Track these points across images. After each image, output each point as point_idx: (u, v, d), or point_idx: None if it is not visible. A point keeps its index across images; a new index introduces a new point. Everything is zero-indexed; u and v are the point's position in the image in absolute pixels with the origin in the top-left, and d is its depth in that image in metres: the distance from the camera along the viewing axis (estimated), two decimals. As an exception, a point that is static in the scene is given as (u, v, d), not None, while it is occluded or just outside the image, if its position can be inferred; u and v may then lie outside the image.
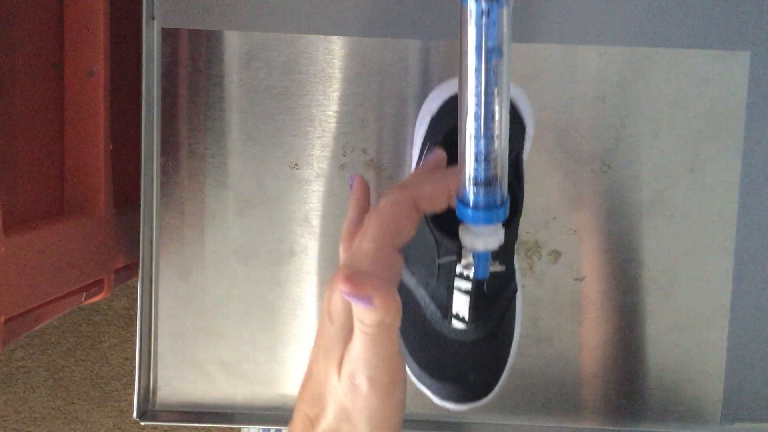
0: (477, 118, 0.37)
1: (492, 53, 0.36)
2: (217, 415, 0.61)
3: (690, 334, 0.60)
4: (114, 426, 1.36)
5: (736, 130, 0.58)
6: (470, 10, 0.35)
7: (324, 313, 0.39)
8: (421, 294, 0.49)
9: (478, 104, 0.37)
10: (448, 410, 0.50)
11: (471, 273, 0.44)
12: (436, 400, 0.50)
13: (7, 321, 0.50)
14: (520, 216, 0.48)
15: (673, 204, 0.59)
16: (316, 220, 0.60)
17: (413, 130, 0.59)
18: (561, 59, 0.58)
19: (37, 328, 0.56)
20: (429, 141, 0.52)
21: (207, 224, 0.60)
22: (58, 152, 0.62)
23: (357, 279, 0.35)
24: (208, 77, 0.59)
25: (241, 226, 0.60)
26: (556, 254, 0.60)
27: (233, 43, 0.58)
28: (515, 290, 0.51)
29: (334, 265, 0.60)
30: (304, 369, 0.61)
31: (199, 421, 0.61)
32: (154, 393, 0.62)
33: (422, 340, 0.49)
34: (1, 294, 0.48)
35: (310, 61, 0.58)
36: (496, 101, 0.37)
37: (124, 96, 0.66)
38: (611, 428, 0.61)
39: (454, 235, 0.42)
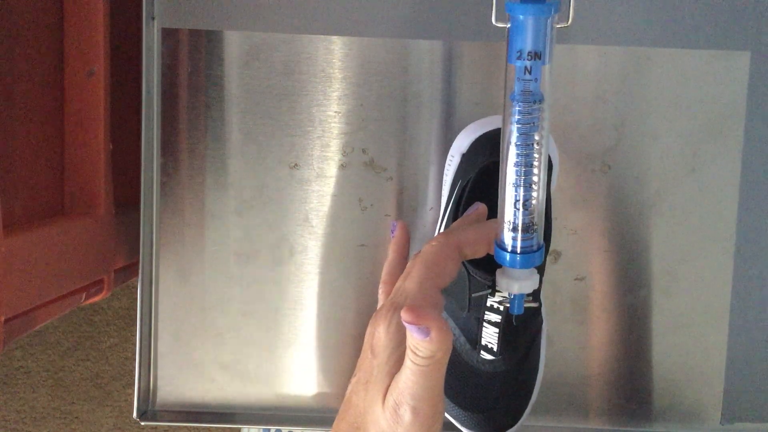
0: (518, 165, 0.39)
1: (534, 108, 0.38)
2: (217, 415, 0.61)
3: (690, 334, 0.60)
4: (114, 426, 1.36)
5: (736, 130, 0.58)
6: (515, 67, 0.38)
7: (366, 347, 0.41)
8: (451, 325, 0.50)
9: (519, 154, 0.39)
10: None
11: (503, 306, 0.46)
12: (463, 429, 0.51)
13: (7, 321, 0.50)
14: (548, 252, 0.49)
15: (673, 204, 0.59)
16: (316, 220, 0.60)
17: (414, 131, 0.59)
18: (561, 59, 0.58)
19: (37, 328, 0.56)
20: (461, 178, 0.53)
21: (207, 224, 0.60)
22: (58, 152, 0.62)
23: (419, 310, 0.37)
24: (208, 77, 0.59)
25: (241, 226, 0.60)
26: (556, 254, 0.60)
27: (233, 43, 0.58)
28: (541, 323, 0.52)
29: (334, 265, 0.60)
30: (303, 369, 0.61)
31: (199, 421, 0.61)
32: (154, 393, 0.62)
33: (451, 370, 0.50)
34: (1, 294, 0.48)
35: (310, 61, 0.58)
36: (535, 151, 0.39)
37: (124, 96, 0.66)
38: (611, 428, 0.61)
39: (487, 270, 0.44)
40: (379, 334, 0.40)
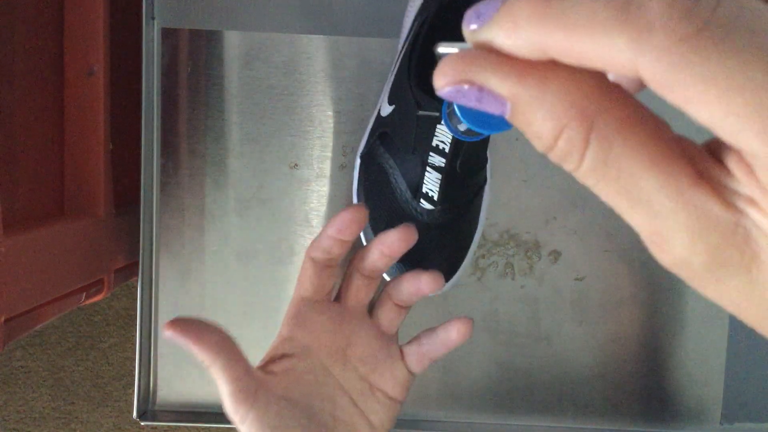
0: None
1: None
2: (217, 415, 0.61)
3: (690, 334, 0.60)
4: (114, 426, 1.36)
5: (736, 130, 0.58)
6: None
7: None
8: (395, 175, 0.50)
9: None
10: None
11: (448, 144, 0.45)
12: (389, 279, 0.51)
13: (7, 321, 0.50)
14: None
15: (673, 204, 0.59)
16: (316, 220, 0.60)
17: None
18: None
19: (37, 328, 0.56)
20: (421, 15, 0.52)
21: (207, 224, 0.60)
22: (58, 152, 0.62)
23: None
24: (208, 77, 0.59)
25: (241, 226, 0.60)
26: (556, 254, 0.60)
27: (233, 43, 0.58)
28: (485, 180, 0.52)
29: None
30: (304, 369, 0.61)
31: (199, 421, 0.61)
32: (154, 393, 0.62)
33: (388, 221, 0.50)
34: (1, 294, 0.48)
35: (310, 61, 0.58)
36: None
37: (124, 96, 0.66)
38: (611, 428, 0.61)
39: (435, 96, 0.43)
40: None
